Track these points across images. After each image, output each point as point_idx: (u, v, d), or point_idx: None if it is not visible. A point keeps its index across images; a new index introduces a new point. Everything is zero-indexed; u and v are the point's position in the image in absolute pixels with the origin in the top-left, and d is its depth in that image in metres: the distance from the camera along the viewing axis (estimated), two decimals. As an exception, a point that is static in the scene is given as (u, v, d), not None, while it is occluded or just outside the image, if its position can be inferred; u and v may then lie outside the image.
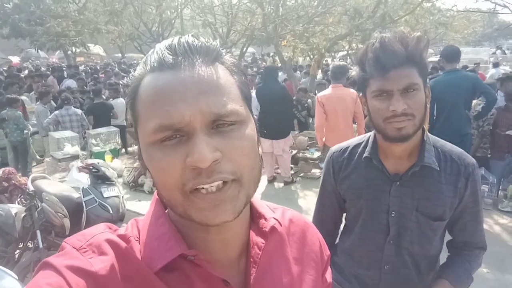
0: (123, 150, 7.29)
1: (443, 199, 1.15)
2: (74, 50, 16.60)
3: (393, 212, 1.19)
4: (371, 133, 1.24)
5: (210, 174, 0.48)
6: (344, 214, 1.40)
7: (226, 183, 0.50)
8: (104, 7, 12.22)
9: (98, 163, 4.46)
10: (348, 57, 13.10)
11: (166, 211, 0.59)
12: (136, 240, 0.57)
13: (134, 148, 7.26)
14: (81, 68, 14.75)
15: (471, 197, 1.17)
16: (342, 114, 4.46)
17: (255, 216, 0.64)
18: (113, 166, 5.51)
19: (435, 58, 17.39)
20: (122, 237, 0.57)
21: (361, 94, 1.18)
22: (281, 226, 0.65)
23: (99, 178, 4.28)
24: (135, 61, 18.30)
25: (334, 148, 1.35)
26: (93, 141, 6.42)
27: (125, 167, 5.92)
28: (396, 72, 1.03)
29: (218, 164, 0.49)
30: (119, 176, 5.63)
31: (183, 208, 0.51)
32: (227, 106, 0.50)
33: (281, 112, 5.05)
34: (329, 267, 0.77)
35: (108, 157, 6.10)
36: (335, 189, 1.32)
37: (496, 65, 11.11)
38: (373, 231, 1.24)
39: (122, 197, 4.18)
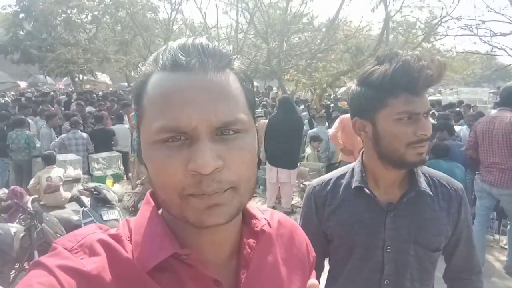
0: (126, 176, 7.31)
1: (439, 227, 1.08)
2: (81, 77, 16.93)
3: (389, 247, 1.07)
4: (355, 163, 1.17)
5: (210, 183, 0.48)
6: (327, 259, 1.26)
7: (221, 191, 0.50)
8: (114, 37, 12.63)
9: (100, 185, 4.48)
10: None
11: (159, 211, 0.60)
12: (128, 240, 0.57)
13: (135, 174, 7.27)
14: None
15: (464, 222, 1.12)
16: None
17: (246, 216, 0.64)
18: (114, 190, 5.51)
19: (435, 97, 17.71)
20: (114, 237, 0.56)
21: (356, 117, 1.08)
22: (270, 227, 0.66)
23: (100, 201, 4.29)
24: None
25: (314, 181, 1.23)
26: (95, 165, 6.46)
27: (126, 192, 5.92)
28: (423, 95, 0.99)
29: (219, 172, 0.49)
30: (119, 200, 5.62)
31: (180, 209, 0.51)
32: (235, 114, 0.51)
33: (295, 142, 5.15)
34: (315, 270, 0.78)
35: (109, 181, 6.10)
36: (318, 229, 1.17)
37: (496, 105, 11.11)
38: (367, 271, 1.11)
39: (122, 220, 4.16)
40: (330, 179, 1.19)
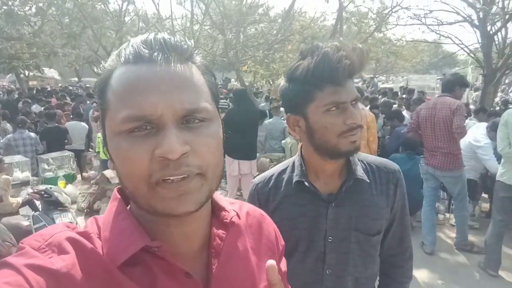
0: (80, 175, 7.00)
1: (379, 211, 1.11)
2: (27, 73, 15.94)
3: (330, 237, 1.10)
4: (295, 157, 1.18)
5: (178, 166, 0.49)
6: None
7: (191, 175, 0.51)
8: (61, 30, 11.96)
9: (51, 188, 4.26)
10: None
11: (128, 207, 0.60)
12: (97, 237, 0.57)
13: (90, 173, 6.98)
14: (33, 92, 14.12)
15: (399, 202, 1.16)
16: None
17: (215, 208, 0.66)
18: (67, 191, 5.26)
19: (388, 85, 18.42)
20: (83, 234, 0.56)
21: (289, 114, 1.09)
22: (239, 218, 0.67)
23: (51, 204, 4.09)
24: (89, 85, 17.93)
25: (257, 179, 1.24)
26: (46, 166, 6.13)
27: (80, 193, 5.66)
28: (348, 83, 0.99)
29: (186, 157, 0.50)
30: (73, 202, 5.38)
31: (146, 199, 0.51)
32: (199, 103, 0.52)
33: (253, 133, 5.14)
34: (283, 257, 0.80)
35: (61, 182, 5.82)
36: None
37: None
38: (310, 262, 1.13)
39: (76, 224, 3.99)
40: (272, 175, 1.20)
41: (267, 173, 1.22)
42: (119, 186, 0.60)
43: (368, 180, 1.11)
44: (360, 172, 1.10)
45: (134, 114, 0.50)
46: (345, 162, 1.12)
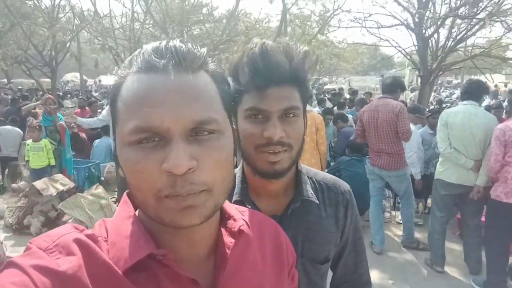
0: (13, 185, 6.34)
1: (328, 236, 0.99)
2: None
3: None
4: (237, 170, 1.02)
5: (184, 184, 0.49)
6: None
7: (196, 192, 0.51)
8: (-17, 26, 10.87)
9: (-31, 204, 3.76)
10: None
11: (136, 212, 0.60)
12: (105, 241, 0.57)
13: (20, 184, 6.34)
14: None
15: (351, 225, 1.04)
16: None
17: (224, 216, 0.66)
18: (-9, 207, 4.71)
19: (331, 86, 19.05)
20: (90, 237, 0.56)
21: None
22: (248, 227, 0.66)
23: (-30, 223, 3.60)
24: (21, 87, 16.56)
25: None
26: (-34, 178, 5.47)
27: (8, 207, 5.10)
28: (276, 90, 0.84)
29: (192, 173, 0.49)
30: (0, 218, 4.83)
31: (155, 210, 0.52)
32: (208, 114, 0.52)
33: None
34: (295, 270, 0.78)
35: (-15, 196, 5.21)
36: None
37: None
38: None
39: (1, 243, 3.56)
40: None
41: None
42: (128, 191, 0.60)
43: (317, 201, 0.98)
44: (309, 192, 0.97)
45: (141, 126, 0.49)
46: (293, 179, 0.98)
